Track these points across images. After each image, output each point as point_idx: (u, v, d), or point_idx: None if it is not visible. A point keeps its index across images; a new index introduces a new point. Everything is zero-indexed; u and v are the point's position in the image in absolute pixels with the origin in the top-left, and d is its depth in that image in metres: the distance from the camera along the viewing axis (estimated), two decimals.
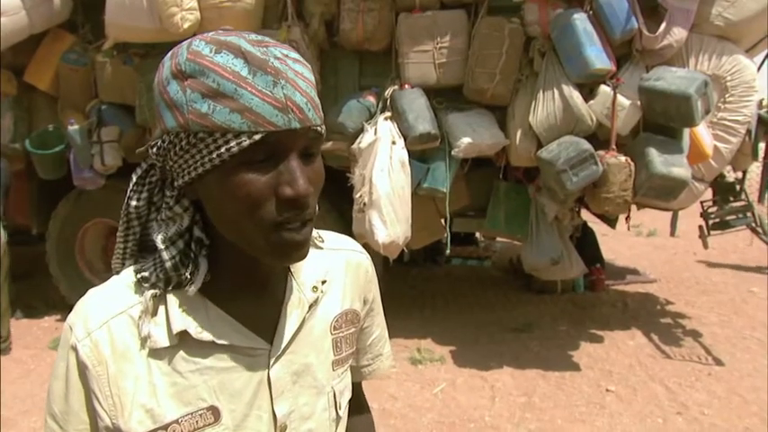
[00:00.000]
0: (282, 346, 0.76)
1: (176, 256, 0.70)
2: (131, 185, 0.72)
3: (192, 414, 0.70)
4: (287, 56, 0.64)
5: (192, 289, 0.70)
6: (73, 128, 4.27)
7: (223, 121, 0.61)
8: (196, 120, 0.62)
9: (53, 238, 4.90)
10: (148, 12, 3.81)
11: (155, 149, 0.68)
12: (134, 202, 0.72)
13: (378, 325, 0.97)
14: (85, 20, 4.50)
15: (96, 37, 4.44)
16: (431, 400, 3.51)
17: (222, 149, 0.62)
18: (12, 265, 4.38)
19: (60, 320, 4.78)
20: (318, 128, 0.66)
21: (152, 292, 0.70)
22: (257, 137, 0.61)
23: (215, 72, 0.61)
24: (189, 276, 0.70)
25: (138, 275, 0.71)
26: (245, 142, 0.61)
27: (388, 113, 3.79)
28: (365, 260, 0.92)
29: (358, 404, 0.99)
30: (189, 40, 0.65)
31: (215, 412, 0.72)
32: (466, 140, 3.67)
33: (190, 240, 0.71)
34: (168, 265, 0.69)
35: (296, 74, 0.63)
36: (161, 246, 0.69)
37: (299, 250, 0.68)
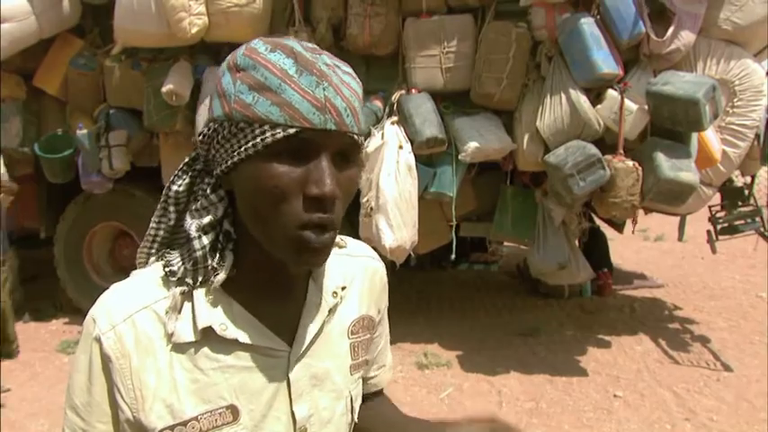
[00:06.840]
0: (302, 348, 0.77)
1: (206, 246, 0.71)
2: (177, 171, 0.74)
3: (211, 412, 0.71)
4: (337, 66, 0.67)
5: (218, 278, 0.71)
6: (81, 132, 4.30)
7: (263, 113, 0.64)
8: (239, 109, 0.65)
9: (61, 241, 4.93)
10: (157, 17, 3.84)
11: (201, 137, 0.70)
12: (175, 187, 0.73)
13: (384, 335, 0.97)
14: (94, 25, 4.55)
15: (105, 42, 4.49)
16: (437, 405, 3.50)
17: (258, 140, 0.64)
18: (19, 268, 4.40)
19: (68, 323, 4.78)
20: (355, 135, 0.68)
21: (181, 288, 0.70)
22: (291, 131, 0.63)
23: (265, 67, 0.64)
24: (215, 267, 0.71)
25: (166, 269, 0.72)
26: (280, 134, 0.63)
27: (394, 118, 3.79)
28: (381, 268, 0.93)
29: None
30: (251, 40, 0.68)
31: (234, 411, 0.72)
32: (473, 145, 3.67)
33: (219, 232, 0.72)
34: (198, 254, 0.70)
35: (342, 81, 0.66)
36: (194, 234, 0.70)
37: (315, 255, 0.68)
